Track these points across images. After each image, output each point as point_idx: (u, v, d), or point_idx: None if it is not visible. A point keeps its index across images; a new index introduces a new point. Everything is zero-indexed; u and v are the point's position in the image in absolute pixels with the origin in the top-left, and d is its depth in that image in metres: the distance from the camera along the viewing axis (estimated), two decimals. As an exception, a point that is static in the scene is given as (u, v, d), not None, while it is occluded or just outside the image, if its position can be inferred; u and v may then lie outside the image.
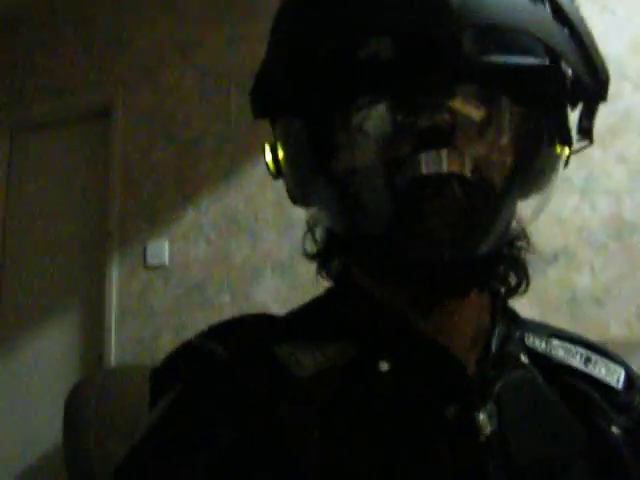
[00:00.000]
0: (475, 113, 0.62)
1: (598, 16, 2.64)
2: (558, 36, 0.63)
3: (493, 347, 0.70)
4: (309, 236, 0.80)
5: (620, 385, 0.76)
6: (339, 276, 0.79)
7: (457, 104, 0.61)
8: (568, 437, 0.69)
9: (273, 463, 0.60)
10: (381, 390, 0.65)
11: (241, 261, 3.00)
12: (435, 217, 0.60)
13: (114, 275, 3.19)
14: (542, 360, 0.75)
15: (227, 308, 2.93)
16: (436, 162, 0.59)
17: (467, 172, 0.60)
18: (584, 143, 0.72)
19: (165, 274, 3.12)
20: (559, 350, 0.77)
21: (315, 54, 0.65)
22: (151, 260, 3.14)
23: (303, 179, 0.72)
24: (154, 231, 3.19)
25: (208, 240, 3.09)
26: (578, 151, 0.72)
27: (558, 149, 0.68)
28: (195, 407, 0.65)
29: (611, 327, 2.43)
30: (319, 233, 0.79)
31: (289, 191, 0.75)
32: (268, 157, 0.74)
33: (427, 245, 0.61)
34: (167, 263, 3.12)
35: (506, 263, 0.75)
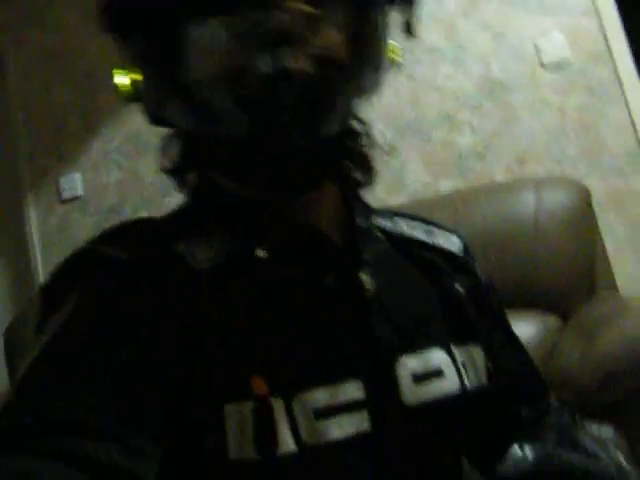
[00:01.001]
0: (307, 13, 0.64)
1: None
2: None
3: (357, 222, 0.78)
4: (164, 154, 0.81)
5: (458, 251, 0.88)
6: (200, 184, 0.81)
7: (290, 5, 0.63)
8: (425, 296, 0.79)
9: (184, 352, 0.63)
10: (264, 275, 0.70)
11: (152, 178, 3.09)
12: (282, 106, 0.63)
13: (32, 215, 3.25)
14: (390, 235, 0.83)
15: (145, 225, 3.01)
16: (277, 59, 0.62)
17: (308, 67, 0.63)
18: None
19: (81, 205, 3.20)
20: (403, 226, 0.86)
21: None
22: (65, 194, 3.21)
23: (159, 97, 0.73)
24: (64, 166, 3.25)
25: (118, 165, 3.17)
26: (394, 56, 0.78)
27: (384, 46, 0.74)
28: (106, 304, 0.63)
29: (495, 176, 2.65)
30: (175, 149, 0.80)
31: (147, 112, 0.76)
32: (121, 80, 0.74)
33: (278, 133, 0.65)
34: (82, 194, 3.20)
35: (352, 158, 0.81)
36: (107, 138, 3.21)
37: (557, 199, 2.25)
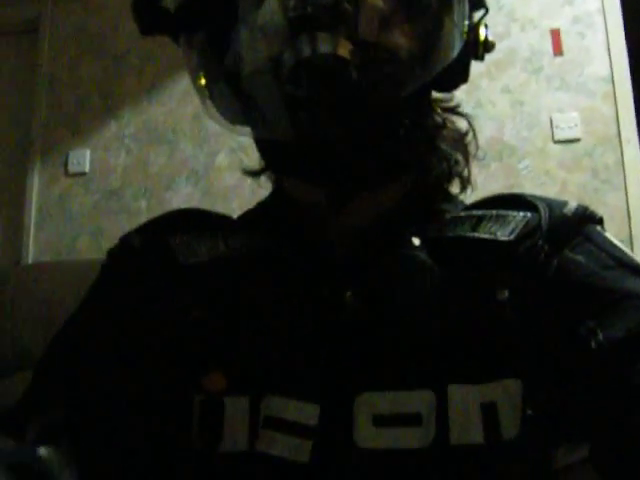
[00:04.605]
0: None
1: (495, -34, 2.93)
2: None
3: (377, 232, 0.70)
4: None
5: (512, 235, 0.67)
6: (275, 187, 0.80)
7: None
8: (443, 323, 0.64)
9: (160, 339, 0.68)
10: (269, 274, 0.69)
11: (158, 170, 3.14)
12: (319, 97, 0.59)
13: (35, 181, 3.27)
14: (437, 242, 0.69)
15: (143, 213, 3.08)
16: (311, 44, 0.57)
17: (345, 53, 0.58)
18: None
19: (85, 181, 3.23)
20: (450, 225, 0.71)
21: None
22: (72, 167, 3.25)
23: (219, 96, 0.69)
24: (76, 141, 3.29)
25: (128, 150, 3.21)
26: (482, 19, 0.70)
27: (446, 21, 0.66)
28: (104, 289, 0.75)
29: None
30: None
31: (219, 116, 0.71)
32: (198, 83, 0.70)
33: (314, 127, 0.60)
34: (87, 171, 3.24)
35: (421, 152, 0.72)
36: (124, 122, 3.25)
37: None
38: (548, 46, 2.85)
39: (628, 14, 2.82)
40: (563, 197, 2.49)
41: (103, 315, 0.72)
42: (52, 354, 0.73)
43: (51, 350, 0.73)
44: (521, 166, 2.76)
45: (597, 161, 2.72)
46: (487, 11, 0.70)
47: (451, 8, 0.66)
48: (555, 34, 2.84)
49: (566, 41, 2.83)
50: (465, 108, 2.75)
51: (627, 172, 2.68)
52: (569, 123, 2.75)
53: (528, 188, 2.71)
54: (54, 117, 3.36)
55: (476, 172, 2.76)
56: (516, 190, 2.65)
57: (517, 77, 2.84)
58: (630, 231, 2.62)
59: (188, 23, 0.67)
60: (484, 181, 2.75)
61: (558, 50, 2.82)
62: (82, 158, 3.25)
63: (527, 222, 0.68)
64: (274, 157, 0.71)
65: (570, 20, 2.86)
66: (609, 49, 2.79)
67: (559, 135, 2.76)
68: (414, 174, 0.74)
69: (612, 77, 2.76)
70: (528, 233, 0.67)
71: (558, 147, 2.76)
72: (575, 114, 2.76)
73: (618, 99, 2.74)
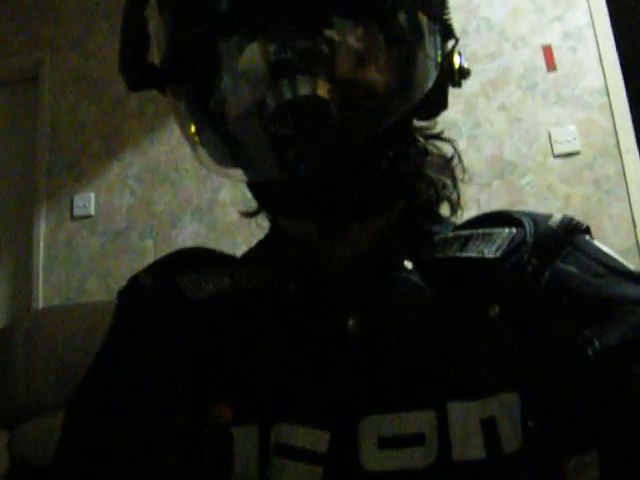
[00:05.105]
0: (326, 38, 0.61)
1: (483, -14, 2.97)
2: None
3: (370, 259, 0.72)
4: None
5: (498, 252, 0.69)
6: (271, 225, 0.82)
7: (309, 31, 0.61)
8: (439, 344, 0.66)
9: (169, 376, 0.69)
10: (273, 306, 0.71)
11: (163, 208, 3.17)
12: (303, 137, 0.61)
13: (42, 227, 3.31)
14: (428, 263, 0.71)
15: (150, 252, 3.11)
16: (291, 87, 0.59)
17: (324, 93, 0.59)
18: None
19: (91, 224, 3.26)
20: (440, 247, 0.73)
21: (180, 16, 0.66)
22: (77, 211, 3.29)
23: (207, 140, 0.70)
24: (80, 184, 3.33)
25: (132, 191, 3.25)
26: (454, 48, 0.71)
27: (420, 53, 0.67)
28: (119, 333, 0.77)
29: (494, 253, 2.71)
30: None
31: (208, 159, 0.71)
32: (186, 131, 0.71)
33: (300, 165, 0.62)
34: (93, 213, 3.27)
35: (408, 180, 0.73)
36: (126, 163, 3.29)
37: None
38: (541, 62, 2.88)
39: (618, 26, 2.85)
40: (567, 210, 2.50)
41: (121, 361, 0.74)
42: (78, 409, 0.74)
43: (77, 405, 0.74)
44: (523, 182, 2.77)
45: (598, 172, 2.73)
46: (457, 41, 0.71)
47: (423, 42, 0.67)
48: (547, 50, 2.87)
49: (558, 56, 2.86)
50: (463, 128, 2.79)
51: (629, 181, 2.69)
52: (567, 137, 2.77)
53: (531, 204, 2.72)
54: (57, 163, 3.40)
55: (477, 192, 2.79)
56: (520, 207, 2.67)
57: (513, 94, 2.86)
58: (637, 239, 2.62)
59: (174, 76, 0.68)
60: (487, 199, 2.77)
61: (551, 65, 2.85)
62: (87, 201, 3.29)
63: (512, 238, 0.70)
64: (265, 198, 0.73)
65: (561, 35, 2.89)
66: (601, 61, 2.81)
67: (558, 149, 2.77)
68: (403, 201, 0.75)
69: (607, 89, 2.78)
70: (514, 249, 0.69)
71: (558, 161, 2.77)
72: (573, 127, 2.79)
73: (614, 110, 2.76)
